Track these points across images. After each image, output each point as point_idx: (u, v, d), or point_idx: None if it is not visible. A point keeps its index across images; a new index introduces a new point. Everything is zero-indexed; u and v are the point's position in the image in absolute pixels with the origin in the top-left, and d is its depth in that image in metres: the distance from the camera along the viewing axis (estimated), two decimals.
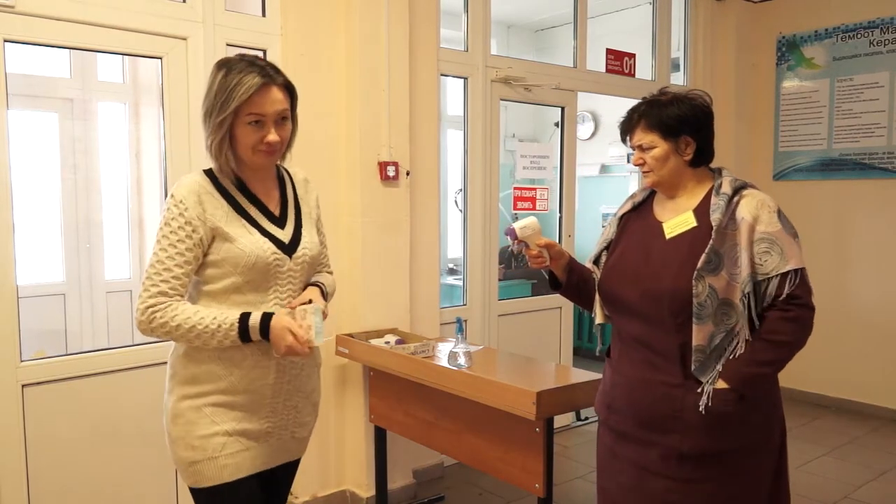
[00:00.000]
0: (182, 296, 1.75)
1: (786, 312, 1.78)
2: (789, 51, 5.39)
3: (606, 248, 2.06)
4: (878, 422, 4.88)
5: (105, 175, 4.34)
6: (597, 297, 2.05)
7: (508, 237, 2.05)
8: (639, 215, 2.03)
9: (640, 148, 1.92)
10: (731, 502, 1.86)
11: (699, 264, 1.78)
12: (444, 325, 3.83)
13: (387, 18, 3.41)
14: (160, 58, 2.96)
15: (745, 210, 1.82)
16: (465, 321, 3.94)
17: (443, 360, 2.85)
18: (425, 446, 3.14)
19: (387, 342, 3.20)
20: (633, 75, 4.98)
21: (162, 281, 1.71)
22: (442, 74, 3.87)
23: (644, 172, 1.95)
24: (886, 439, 4.57)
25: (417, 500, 3.64)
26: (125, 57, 4.04)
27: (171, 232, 1.73)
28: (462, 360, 2.76)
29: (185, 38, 2.99)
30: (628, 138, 1.96)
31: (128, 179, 4.21)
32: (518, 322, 4.38)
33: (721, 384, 1.79)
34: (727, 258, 1.80)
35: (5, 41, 2.60)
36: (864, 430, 4.72)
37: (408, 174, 3.54)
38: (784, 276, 1.78)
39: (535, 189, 4.47)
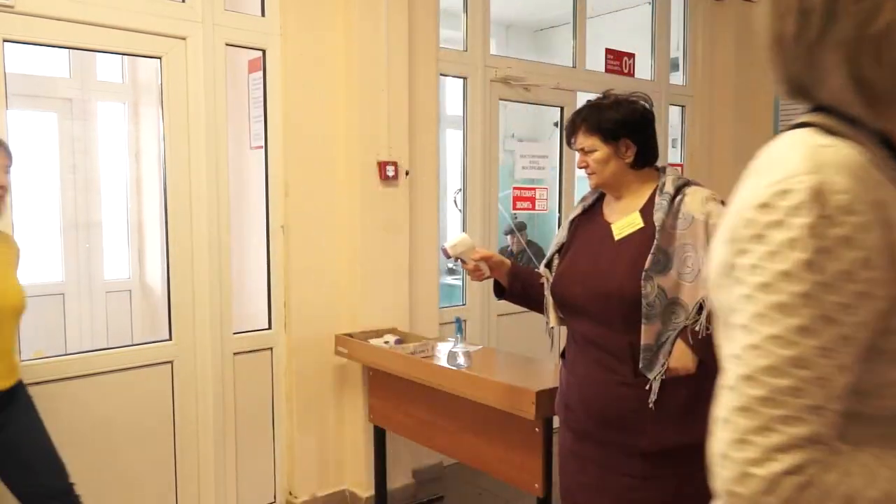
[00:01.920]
0: (836, 428, 0.73)
1: None
2: None
3: (558, 251, 2.09)
4: None
5: (104, 175, 4.34)
6: (550, 300, 2.08)
7: (444, 255, 2.13)
8: (589, 218, 2.07)
9: (583, 151, 1.97)
10: (691, 498, 1.87)
11: (647, 265, 1.80)
12: (443, 324, 3.83)
13: (386, 18, 3.40)
14: (159, 57, 2.96)
15: (692, 208, 1.83)
16: (465, 321, 3.95)
17: (442, 360, 2.85)
18: (425, 446, 3.14)
19: (386, 342, 3.20)
20: (633, 75, 4.98)
21: (812, 409, 0.70)
22: (441, 74, 3.87)
23: (588, 175, 2.00)
24: None
25: (417, 500, 3.64)
26: (124, 57, 4.04)
27: (822, 284, 0.70)
28: (461, 360, 2.76)
29: (184, 38, 2.99)
30: (572, 141, 2.01)
31: (127, 179, 4.21)
32: (517, 322, 4.38)
33: (687, 352, 1.81)
34: (676, 258, 1.81)
35: (5, 41, 2.60)
36: None
37: (407, 174, 3.54)
38: None
39: (534, 189, 4.47)
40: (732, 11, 5.40)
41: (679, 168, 5.37)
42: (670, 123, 5.32)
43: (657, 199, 1.88)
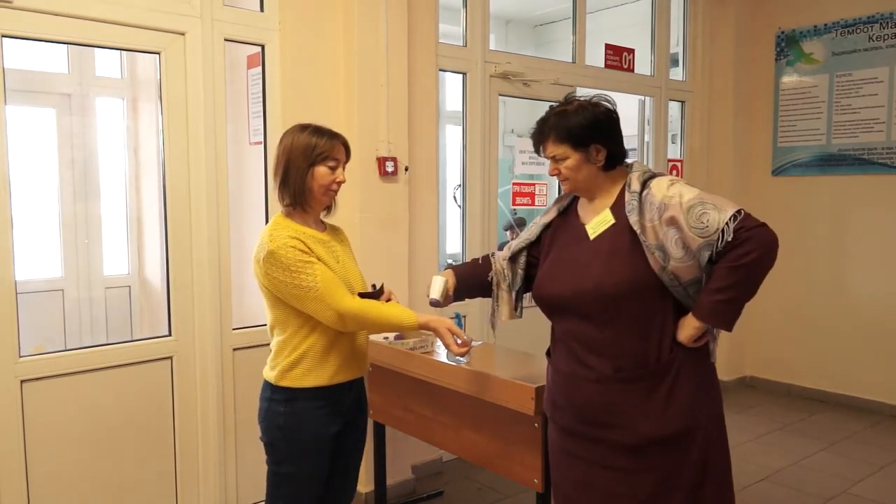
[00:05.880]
0: None
1: (739, 241, 1.78)
2: (788, 46, 5.39)
3: (525, 248, 2.13)
4: (876, 417, 4.88)
5: (103, 170, 4.33)
6: (508, 296, 2.15)
7: (435, 307, 2.29)
8: (565, 220, 2.09)
9: (554, 159, 1.98)
10: (674, 491, 1.89)
11: (654, 267, 1.83)
12: None
13: (385, 13, 3.40)
14: (158, 53, 2.96)
15: (661, 195, 1.85)
16: (464, 317, 3.95)
17: (441, 356, 2.85)
18: (424, 442, 3.14)
19: (385, 337, 3.19)
20: (632, 70, 4.98)
21: None
22: (441, 70, 3.86)
23: (561, 181, 2.01)
24: (885, 435, 4.58)
25: (416, 496, 3.64)
26: (123, 52, 4.03)
27: None
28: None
29: (182, 34, 2.98)
30: (541, 149, 2.01)
31: (126, 175, 4.21)
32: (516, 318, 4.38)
33: (692, 320, 1.85)
34: (668, 245, 1.82)
35: (3, 36, 2.59)
36: (862, 426, 4.73)
37: (406, 170, 3.54)
38: (729, 221, 1.79)
39: (533, 185, 4.47)
40: (732, 7, 5.39)
41: (679, 164, 5.37)
42: (670, 119, 5.32)
43: (627, 197, 1.91)
